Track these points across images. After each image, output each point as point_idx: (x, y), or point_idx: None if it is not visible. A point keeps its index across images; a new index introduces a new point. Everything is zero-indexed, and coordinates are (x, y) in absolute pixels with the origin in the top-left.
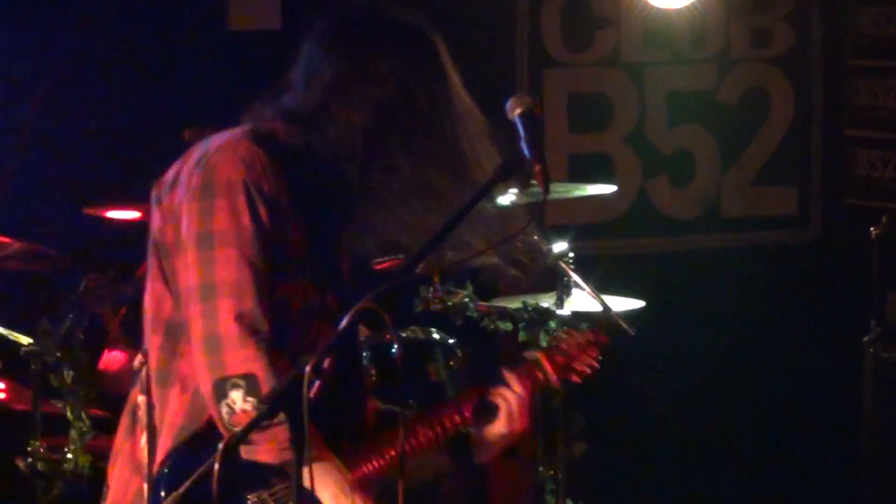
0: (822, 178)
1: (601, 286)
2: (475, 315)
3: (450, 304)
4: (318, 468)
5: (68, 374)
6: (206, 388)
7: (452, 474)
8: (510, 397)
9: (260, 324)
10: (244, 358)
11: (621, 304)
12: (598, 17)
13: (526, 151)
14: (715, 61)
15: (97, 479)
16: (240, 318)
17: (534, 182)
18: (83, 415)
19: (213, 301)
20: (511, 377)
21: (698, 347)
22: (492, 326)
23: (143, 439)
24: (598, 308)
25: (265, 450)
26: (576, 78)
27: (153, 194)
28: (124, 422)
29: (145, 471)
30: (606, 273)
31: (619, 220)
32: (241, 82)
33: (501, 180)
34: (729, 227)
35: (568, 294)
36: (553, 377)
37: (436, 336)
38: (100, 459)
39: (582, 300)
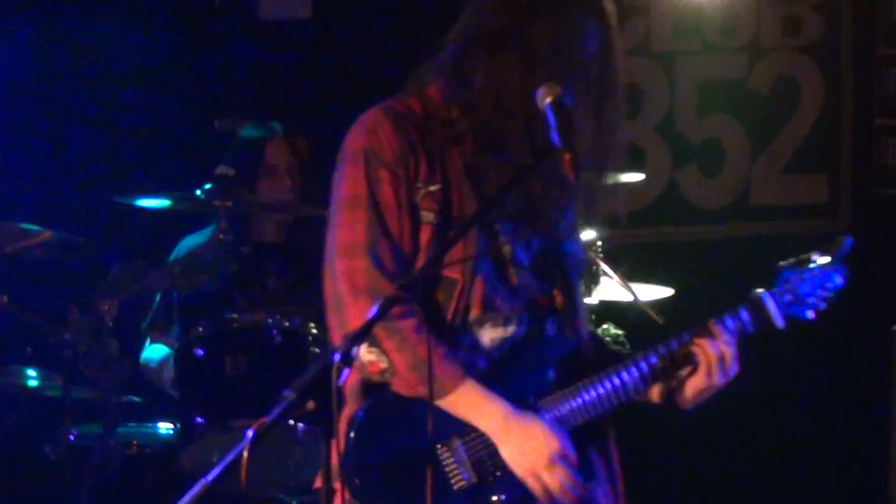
0: (852, 166)
1: (629, 275)
2: None
3: None
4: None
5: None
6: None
7: None
8: (710, 351)
9: (378, 283)
10: (359, 313)
11: (650, 292)
12: (628, 5)
13: (556, 140)
14: (745, 50)
15: (125, 466)
16: (351, 279)
17: (563, 172)
18: (112, 402)
19: (332, 262)
20: (716, 330)
21: None
22: None
23: None
24: (626, 296)
25: (398, 386)
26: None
27: None
28: None
29: None
30: (635, 262)
31: (649, 208)
32: (271, 71)
33: (531, 168)
34: (758, 216)
35: (596, 283)
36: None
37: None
38: (129, 447)
39: (610, 289)
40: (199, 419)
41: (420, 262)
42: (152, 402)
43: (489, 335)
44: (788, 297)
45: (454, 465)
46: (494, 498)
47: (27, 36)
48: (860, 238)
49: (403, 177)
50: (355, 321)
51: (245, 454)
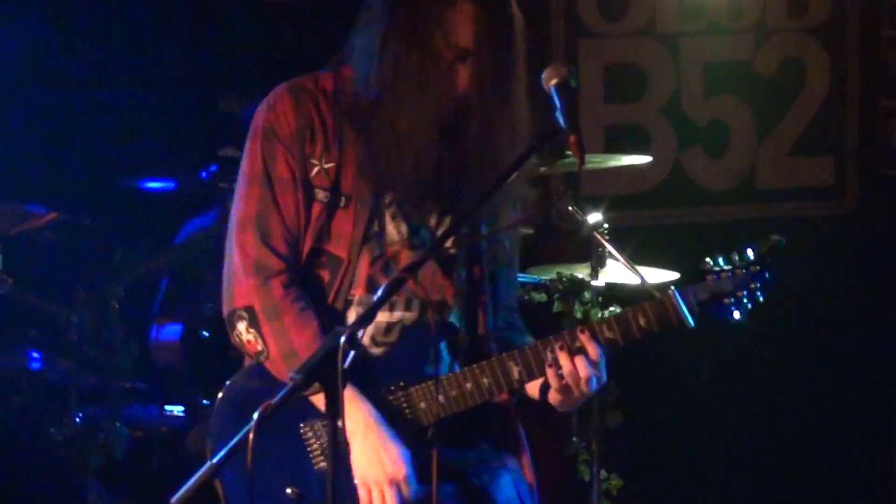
0: (858, 148)
1: (636, 257)
2: None
3: None
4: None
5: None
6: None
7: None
8: (566, 367)
9: (265, 258)
10: (246, 290)
11: (656, 274)
12: None
13: (561, 122)
14: (751, 31)
15: (131, 449)
16: (243, 252)
17: (569, 152)
18: (119, 385)
19: (231, 236)
20: (583, 339)
21: None
22: (526, 297)
23: None
24: (632, 279)
25: (270, 369)
26: (611, 48)
27: None
28: None
29: None
30: (641, 244)
31: (654, 191)
32: (274, 52)
33: (537, 150)
34: (764, 198)
35: (602, 265)
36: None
37: None
38: (135, 429)
39: (616, 271)
40: (204, 401)
41: (308, 238)
42: (159, 384)
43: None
44: (704, 296)
45: (317, 447)
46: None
47: (34, 18)
48: (866, 220)
49: (299, 153)
50: (241, 297)
51: (251, 436)
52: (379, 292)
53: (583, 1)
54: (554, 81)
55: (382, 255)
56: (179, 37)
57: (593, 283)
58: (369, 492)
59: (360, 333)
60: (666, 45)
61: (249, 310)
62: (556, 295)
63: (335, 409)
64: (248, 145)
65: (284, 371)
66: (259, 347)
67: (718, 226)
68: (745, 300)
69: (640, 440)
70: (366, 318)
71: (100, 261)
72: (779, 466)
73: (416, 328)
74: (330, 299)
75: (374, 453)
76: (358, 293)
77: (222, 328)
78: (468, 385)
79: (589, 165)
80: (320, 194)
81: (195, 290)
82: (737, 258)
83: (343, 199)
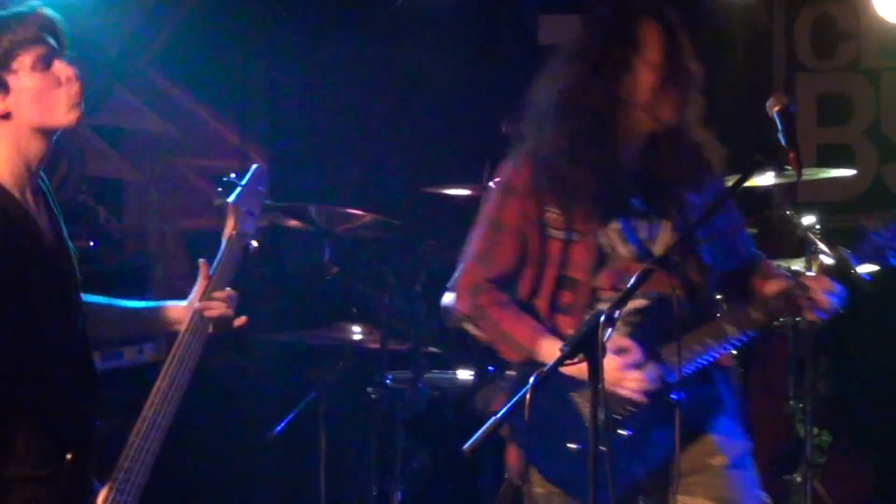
0: None
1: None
2: None
3: None
4: None
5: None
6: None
7: None
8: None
9: (473, 278)
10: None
11: (860, 268)
12: (841, 30)
13: (783, 141)
14: None
15: (431, 405)
16: (466, 274)
17: (788, 167)
18: (420, 353)
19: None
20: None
21: None
22: None
23: None
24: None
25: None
26: (823, 81)
27: None
28: None
29: None
30: (846, 244)
31: (859, 198)
32: None
33: (762, 165)
34: None
35: (815, 260)
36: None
37: None
38: (434, 390)
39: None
40: (490, 367)
41: (550, 268)
42: (453, 352)
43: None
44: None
45: (583, 405)
46: (622, 432)
47: (355, 57)
48: None
49: (533, 205)
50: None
51: (528, 397)
52: (631, 281)
53: (799, 43)
54: (777, 108)
55: (615, 271)
56: (473, 74)
57: (808, 273)
58: (622, 388)
59: (615, 314)
60: (869, 78)
61: (465, 315)
62: None
63: (596, 375)
64: (491, 194)
65: (507, 351)
66: (484, 337)
67: None
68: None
69: (847, 402)
70: (620, 302)
71: (407, 253)
72: None
73: (658, 309)
74: (574, 314)
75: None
76: (599, 306)
77: None
78: (706, 338)
79: (805, 177)
80: (556, 233)
81: None
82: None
83: (575, 234)
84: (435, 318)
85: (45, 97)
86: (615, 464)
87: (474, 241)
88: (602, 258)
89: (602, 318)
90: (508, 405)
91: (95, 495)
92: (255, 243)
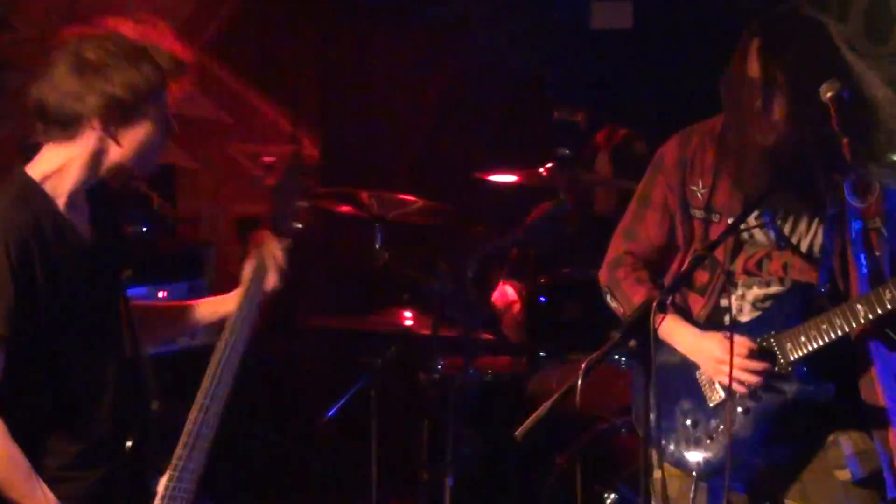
0: None
1: None
2: None
3: None
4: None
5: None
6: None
7: None
8: None
9: (619, 252)
10: (607, 272)
11: None
12: None
13: (836, 127)
14: None
15: (482, 390)
16: (612, 247)
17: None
18: (472, 338)
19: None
20: None
21: None
22: None
23: None
24: None
25: None
26: (875, 68)
27: None
28: None
29: None
30: None
31: None
32: (597, 73)
33: (817, 154)
34: None
35: None
36: None
37: None
38: (485, 374)
39: None
40: (541, 353)
41: (693, 246)
42: (505, 338)
43: (752, 293)
44: None
45: (707, 385)
46: (739, 409)
47: (407, 43)
48: None
49: (678, 180)
50: (603, 279)
51: (580, 382)
52: (685, 266)
53: (853, 29)
54: (829, 95)
55: (754, 256)
56: (525, 63)
57: None
58: (720, 379)
59: (668, 300)
60: None
61: (606, 287)
62: None
63: (648, 358)
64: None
65: None
66: (621, 311)
67: None
68: None
69: None
70: (672, 289)
71: (457, 239)
72: None
73: (785, 297)
74: (707, 296)
75: (703, 356)
76: (732, 290)
77: (556, 295)
78: (823, 325)
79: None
80: (697, 213)
81: (536, 262)
82: None
83: (715, 215)
84: (486, 304)
85: (152, 148)
86: (735, 451)
87: (625, 215)
88: (739, 243)
89: (654, 305)
90: (560, 392)
91: (156, 483)
92: (299, 224)
